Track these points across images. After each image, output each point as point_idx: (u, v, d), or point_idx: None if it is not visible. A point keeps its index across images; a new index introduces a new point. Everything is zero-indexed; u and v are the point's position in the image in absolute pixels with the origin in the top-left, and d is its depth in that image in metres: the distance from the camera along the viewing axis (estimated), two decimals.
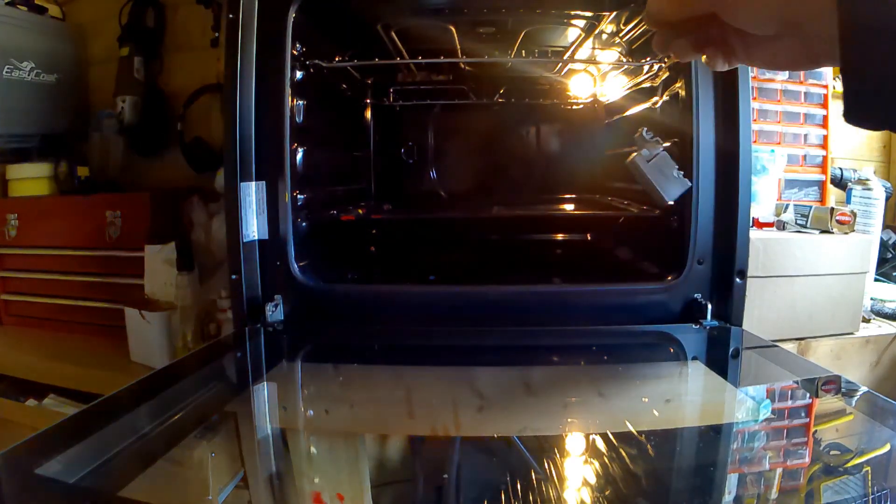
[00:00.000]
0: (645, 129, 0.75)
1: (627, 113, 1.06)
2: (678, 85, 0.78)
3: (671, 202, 0.75)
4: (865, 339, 1.01)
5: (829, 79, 1.25)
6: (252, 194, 0.74)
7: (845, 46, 0.31)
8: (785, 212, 1.09)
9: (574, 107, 1.24)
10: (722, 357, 0.71)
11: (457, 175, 1.26)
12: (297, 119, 0.80)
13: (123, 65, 1.29)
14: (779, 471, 0.45)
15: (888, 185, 1.30)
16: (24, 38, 1.26)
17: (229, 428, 0.54)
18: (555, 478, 0.43)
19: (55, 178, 1.30)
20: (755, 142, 1.10)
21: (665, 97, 0.85)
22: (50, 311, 1.25)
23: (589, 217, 1.19)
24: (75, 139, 1.37)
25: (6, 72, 1.22)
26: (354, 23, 0.90)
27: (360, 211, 1.10)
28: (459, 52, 0.94)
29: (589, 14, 0.85)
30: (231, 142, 0.72)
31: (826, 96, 1.25)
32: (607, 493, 0.41)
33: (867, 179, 1.18)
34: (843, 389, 0.59)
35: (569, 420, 0.58)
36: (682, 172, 0.73)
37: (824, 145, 1.27)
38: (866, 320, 1.07)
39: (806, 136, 1.25)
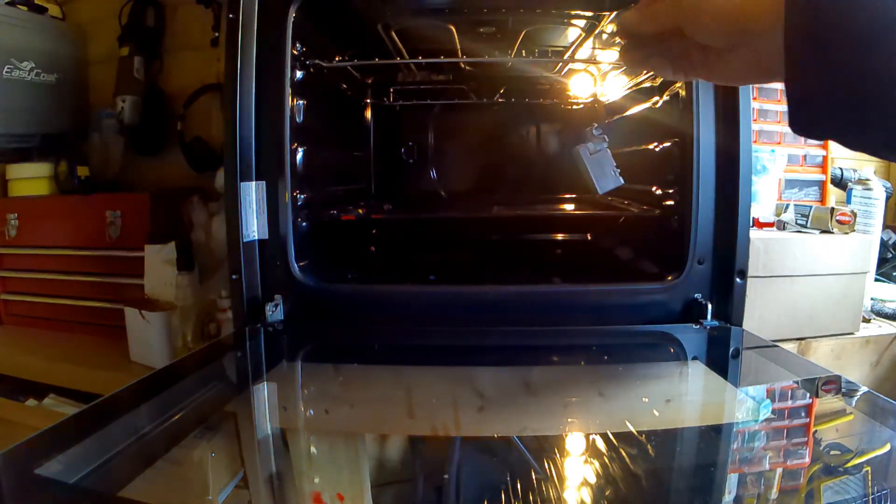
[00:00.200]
0: (595, 125, 0.81)
1: (628, 113, 1.06)
2: (678, 85, 0.78)
3: (601, 193, 0.82)
4: (865, 339, 1.01)
5: None
6: (252, 194, 0.73)
7: (789, 57, 0.33)
8: (785, 212, 1.09)
9: (574, 107, 1.24)
10: (722, 357, 0.71)
11: (457, 175, 1.26)
12: (297, 119, 0.80)
13: (123, 65, 1.29)
14: (779, 471, 0.45)
15: (888, 185, 1.30)
16: (24, 38, 1.25)
17: (229, 428, 0.54)
18: (555, 478, 0.43)
19: (55, 178, 1.30)
20: (755, 142, 1.10)
21: (665, 97, 0.85)
22: (50, 311, 1.25)
23: (589, 217, 1.19)
24: (75, 139, 1.37)
25: (6, 72, 1.22)
26: (354, 23, 0.90)
27: (360, 211, 1.10)
28: (459, 51, 0.94)
29: (589, 14, 0.85)
30: (231, 142, 0.72)
31: None
32: (607, 493, 0.41)
33: (867, 179, 1.18)
34: (843, 389, 0.59)
35: (569, 420, 0.58)
36: (619, 170, 0.79)
37: (824, 145, 1.27)
38: (866, 320, 1.07)
39: None
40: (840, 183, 1.31)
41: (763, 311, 0.93)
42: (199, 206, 1.09)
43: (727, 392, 0.62)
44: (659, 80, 0.87)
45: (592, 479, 0.43)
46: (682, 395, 0.64)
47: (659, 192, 0.87)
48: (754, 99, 1.19)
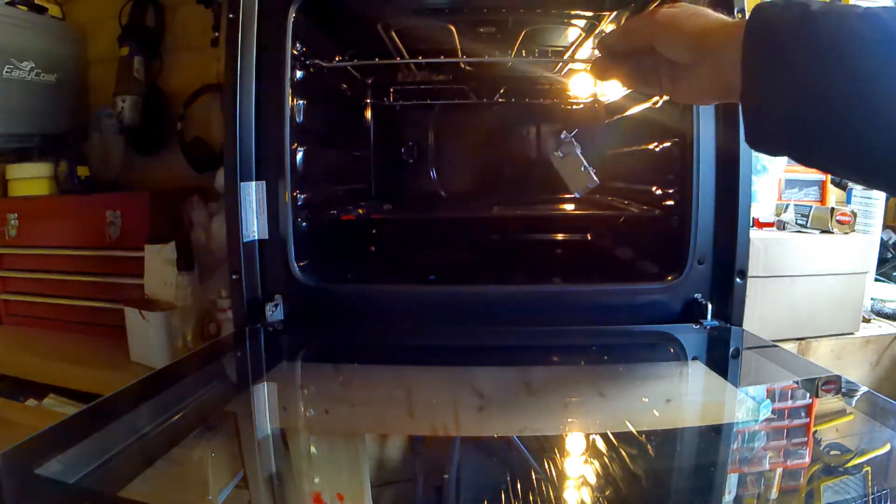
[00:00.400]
0: (565, 131, 0.84)
1: (628, 113, 1.06)
2: None
3: (577, 196, 0.85)
4: (866, 339, 1.01)
5: None
6: (252, 194, 0.73)
7: (745, 71, 0.36)
8: (785, 212, 1.09)
9: (574, 107, 1.24)
10: (722, 357, 0.71)
11: (457, 175, 1.26)
12: (297, 119, 0.80)
13: (123, 64, 1.29)
14: (779, 471, 0.45)
15: None
16: (24, 37, 1.25)
17: (229, 428, 0.54)
18: (555, 478, 0.43)
19: (55, 177, 1.30)
20: None
21: (665, 97, 0.85)
22: (50, 311, 1.25)
23: (589, 217, 1.19)
24: (75, 139, 1.37)
25: (6, 72, 1.22)
26: (354, 23, 0.90)
27: (361, 211, 1.10)
28: (459, 51, 0.94)
29: (589, 14, 0.85)
30: (231, 142, 0.72)
31: None
32: (607, 493, 0.41)
33: None
34: (843, 389, 0.59)
35: (569, 420, 0.58)
36: (594, 171, 0.82)
37: None
38: (866, 320, 1.07)
39: None
40: (840, 183, 1.31)
41: (763, 311, 0.93)
42: (199, 206, 1.09)
43: (727, 392, 0.62)
44: None
45: (592, 479, 0.43)
46: (682, 395, 0.64)
47: (659, 191, 0.87)
48: None
